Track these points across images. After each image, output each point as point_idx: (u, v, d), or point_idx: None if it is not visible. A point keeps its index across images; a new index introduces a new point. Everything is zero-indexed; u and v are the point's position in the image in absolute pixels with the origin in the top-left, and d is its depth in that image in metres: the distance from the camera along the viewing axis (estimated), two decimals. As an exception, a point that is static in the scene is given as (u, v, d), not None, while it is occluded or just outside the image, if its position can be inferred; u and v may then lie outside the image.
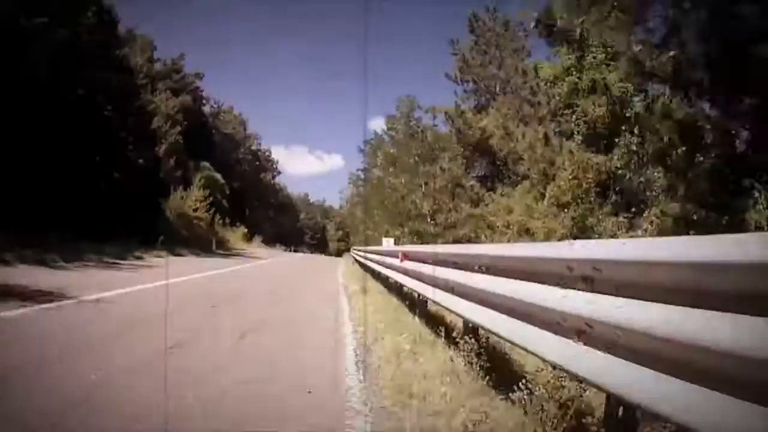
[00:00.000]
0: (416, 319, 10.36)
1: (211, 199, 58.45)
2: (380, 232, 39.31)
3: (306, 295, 15.20)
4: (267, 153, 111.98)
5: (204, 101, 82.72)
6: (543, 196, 26.31)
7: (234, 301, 12.32)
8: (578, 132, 25.91)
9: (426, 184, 36.31)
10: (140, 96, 43.44)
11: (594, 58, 25.89)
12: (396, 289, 14.24)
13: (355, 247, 43.89)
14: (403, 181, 36.65)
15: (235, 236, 69.55)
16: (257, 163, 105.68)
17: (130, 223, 33.11)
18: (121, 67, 38.37)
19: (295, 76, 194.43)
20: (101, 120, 33.51)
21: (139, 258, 27.29)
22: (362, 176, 47.06)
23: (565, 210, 24.40)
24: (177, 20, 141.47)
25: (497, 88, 38.86)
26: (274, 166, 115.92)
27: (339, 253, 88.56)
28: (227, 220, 68.59)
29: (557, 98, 26.96)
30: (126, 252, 27.19)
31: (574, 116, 26.20)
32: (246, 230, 75.56)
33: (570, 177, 24.61)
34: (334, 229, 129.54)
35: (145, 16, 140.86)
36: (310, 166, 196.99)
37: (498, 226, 27.58)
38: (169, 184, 51.22)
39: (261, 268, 30.81)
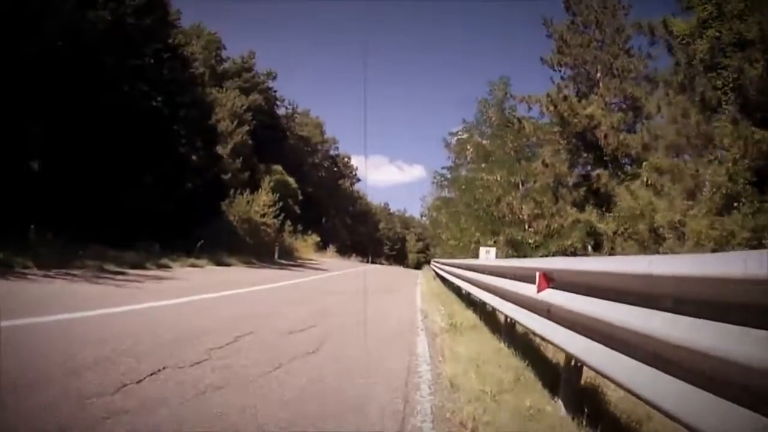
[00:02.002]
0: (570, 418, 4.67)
1: (281, 204, 53.44)
2: (465, 242, 33.33)
3: (360, 338, 9.08)
4: (346, 159, 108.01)
5: (277, 102, 78.40)
6: (698, 187, 20.04)
7: (218, 356, 6.51)
8: (726, 101, 19.89)
9: (523, 183, 30.30)
10: (197, 88, 39.35)
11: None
12: (502, 324, 8.59)
13: (436, 260, 38.06)
14: (498, 177, 30.31)
15: (305, 245, 65.27)
16: (335, 169, 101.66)
17: (178, 226, 29.08)
18: (174, 56, 34.34)
19: (376, 86, 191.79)
20: (148, 109, 29.23)
21: (164, 267, 22.62)
22: (448, 175, 40.65)
23: (735, 204, 18.14)
24: (264, 27, 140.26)
25: (599, 73, 32.99)
26: (354, 173, 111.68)
27: (418, 266, 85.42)
28: (299, 228, 64.49)
29: (698, 57, 20.95)
30: (149, 259, 22.44)
31: (720, 80, 20.20)
32: (319, 239, 71.37)
33: (738, 155, 18.37)
34: (414, 240, 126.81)
35: (223, 19, 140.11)
36: (390, 176, 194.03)
37: (624, 231, 21.57)
38: (235, 187, 46.98)
39: (319, 283, 24.81)
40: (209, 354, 6.58)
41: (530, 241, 27.64)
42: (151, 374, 5.42)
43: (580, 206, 28.32)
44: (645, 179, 23.58)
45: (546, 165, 29.30)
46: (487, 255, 21.12)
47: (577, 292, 4.82)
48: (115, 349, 6.27)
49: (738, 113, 19.57)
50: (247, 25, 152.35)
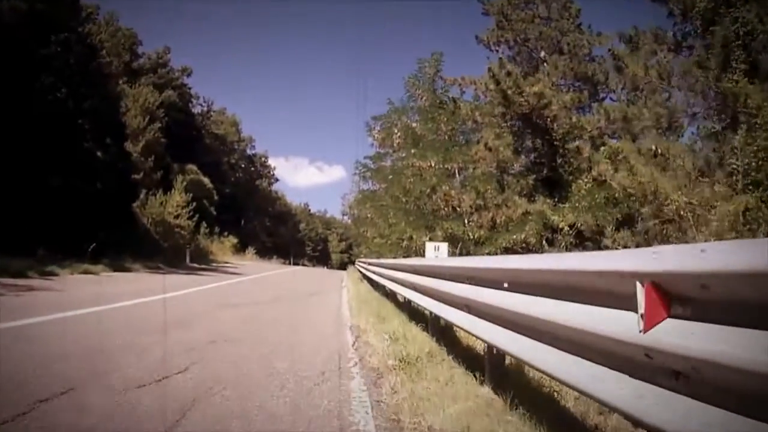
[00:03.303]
0: None
1: (194, 205, 50.73)
2: (394, 240, 29.87)
3: (257, 393, 5.33)
4: (263, 159, 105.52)
5: (192, 100, 75.66)
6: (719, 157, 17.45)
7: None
8: (737, 59, 17.39)
9: (461, 170, 27.06)
10: (106, 79, 37.96)
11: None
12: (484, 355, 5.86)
13: (362, 260, 35.88)
14: (432, 163, 26.85)
15: (223, 248, 63.00)
16: (252, 168, 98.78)
17: (83, 229, 26.56)
18: (82, 45, 32.87)
19: (294, 86, 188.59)
20: (52, 102, 27.45)
21: (50, 275, 19.79)
22: (372, 165, 37.05)
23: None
24: (181, 27, 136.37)
25: (543, 51, 30.31)
26: (271, 173, 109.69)
27: (343, 266, 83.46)
28: (216, 230, 63.02)
29: (700, 6, 18.62)
30: (35, 267, 19.97)
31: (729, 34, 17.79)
32: (237, 241, 69.16)
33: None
34: (336, 240, 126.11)
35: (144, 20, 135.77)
36: (310, 177, 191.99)
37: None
38: (148, 187, 45.47)
39: (224, 291, 20.80)
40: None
41: (473, 236, 24.56)
42: None
43: (530, 196, 25.58)
44: (654, 148, 20.37)
45: (489, 149, 26.19)
46: (437, 253, 17.38)
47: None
48: None
49: (740, 78, 17.04)
50: (166, 23, 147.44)
